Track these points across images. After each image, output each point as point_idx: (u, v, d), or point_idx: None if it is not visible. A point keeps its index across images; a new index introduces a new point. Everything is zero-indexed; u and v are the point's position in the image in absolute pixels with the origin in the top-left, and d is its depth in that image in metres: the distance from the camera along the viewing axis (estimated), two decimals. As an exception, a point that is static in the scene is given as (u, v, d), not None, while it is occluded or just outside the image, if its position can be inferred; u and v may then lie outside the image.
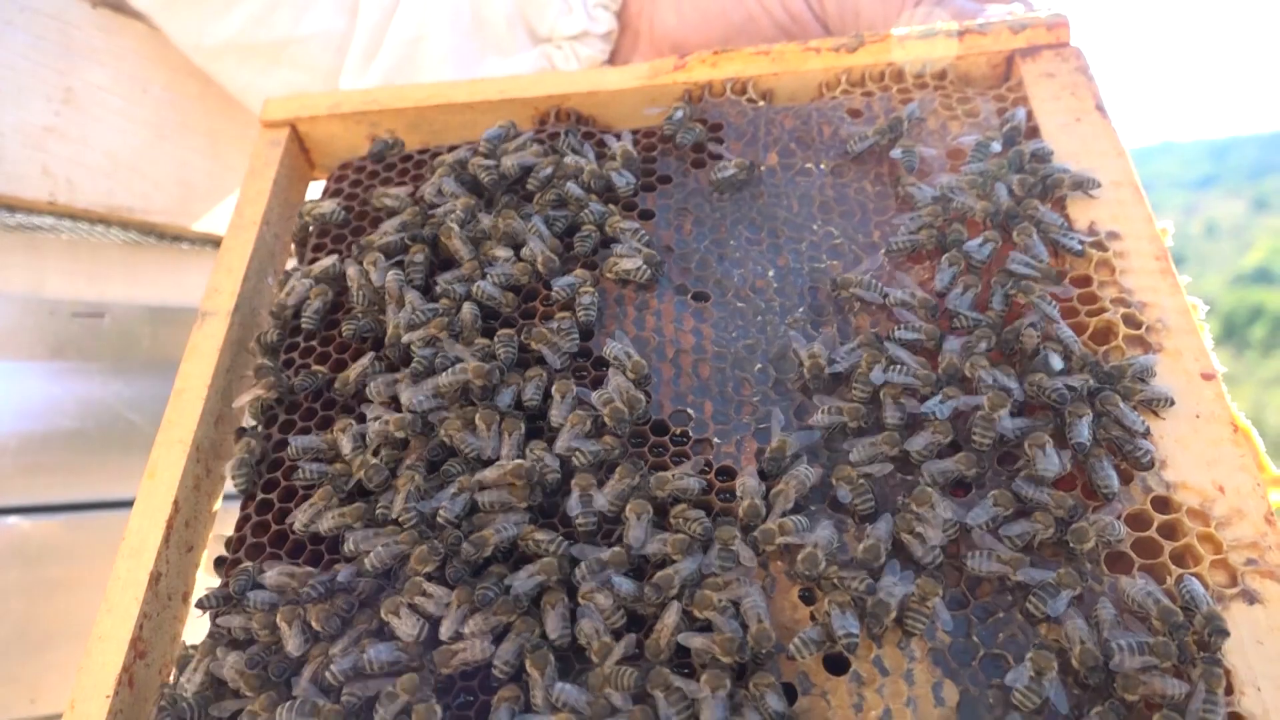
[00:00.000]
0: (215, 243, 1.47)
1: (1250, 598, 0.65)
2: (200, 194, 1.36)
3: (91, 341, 1.38)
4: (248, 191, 1.03)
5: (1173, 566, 0.67)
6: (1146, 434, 0.72)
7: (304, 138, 1.10)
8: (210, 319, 0.93)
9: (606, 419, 0.77)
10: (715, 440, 0.79)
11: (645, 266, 0.87)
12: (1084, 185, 0.87)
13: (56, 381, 1.35)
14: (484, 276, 0.88)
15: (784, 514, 0.71)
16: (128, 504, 1.43)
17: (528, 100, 1.06)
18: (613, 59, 1.29)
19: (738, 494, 0.73)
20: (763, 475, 0.74)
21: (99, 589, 1.37)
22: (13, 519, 1.30)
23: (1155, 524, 0.69)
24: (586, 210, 0.92)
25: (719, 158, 0.98)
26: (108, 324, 1.39)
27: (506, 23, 1.25)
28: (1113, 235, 0.85)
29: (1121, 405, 0.72)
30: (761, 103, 1.03)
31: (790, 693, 0.66)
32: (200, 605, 0.74)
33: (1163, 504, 0.70)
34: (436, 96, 1.07)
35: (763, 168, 0.97)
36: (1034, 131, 0.95)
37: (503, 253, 0.89)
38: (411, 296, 0.87)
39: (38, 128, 1.14)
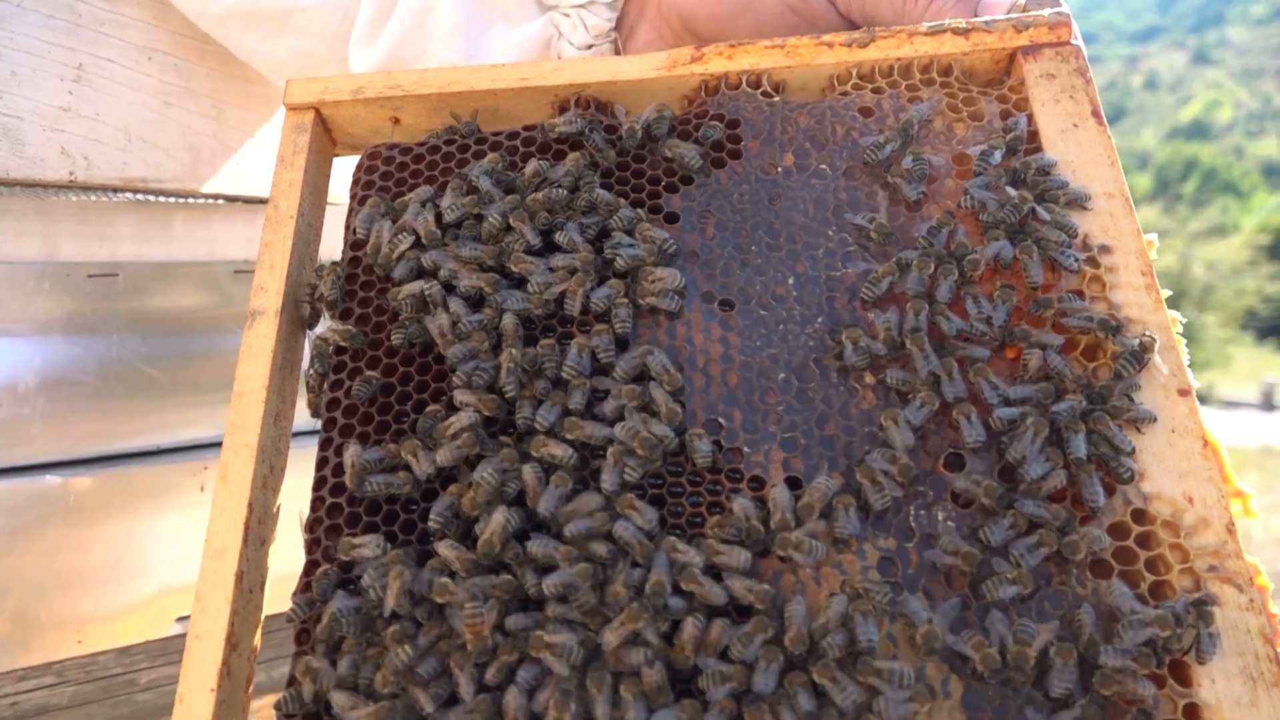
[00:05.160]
0: (221, 199, 1.48)
1: (1210, 600, 0.77)
2: (207, 157, 1.37)
3: (107, 301, 1.41)
4: (280, 183, 1.06)
5: (1146, 574, 0.79)
6: (1132, 452, 0.82)
7: (327, 120, 1.12)
8: (260, 319, 0.98)
9: (638, 450, 0.85)
10: (745, 450, 0.87)
11: (679, 275, 0.93)
12: (1078, 200, 0.95)
13: (77, 342, 1.39)
14: (521, 286, 0.94)
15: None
16: (153, 453, 1.51)
17: (548, 88, 1.09)
18: (619, 27, 1.31)
19: (769, 507, 0.82)
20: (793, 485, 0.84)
21: (134, 534, 1.45)
22: (47, 476, 1.36)
23: (1133, 535, 0.80)
24: (616, 216, 0.97)
25: (738, 156, 1.03)
26: (121, 283, 1.42)
27: (515, -9, 1.26)
28: (1104, 249, 0.93)
29: (1112, 426, 0.82)
30: (776, 97, 1.07)
31: (818, 690, 0.76)
32: (290, 618, 0.82)
33: (1140, 515, 0.81)
34: (458, 83, 1.09)
35: (780, 169, 1.02)
36: (1034, 136, 1.01)
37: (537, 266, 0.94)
38: (456, 305, 0.93)
39: (54, 108, 1.14)
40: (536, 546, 0.79)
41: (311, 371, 0.98)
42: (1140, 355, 0.84)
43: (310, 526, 0.88)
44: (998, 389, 0.85)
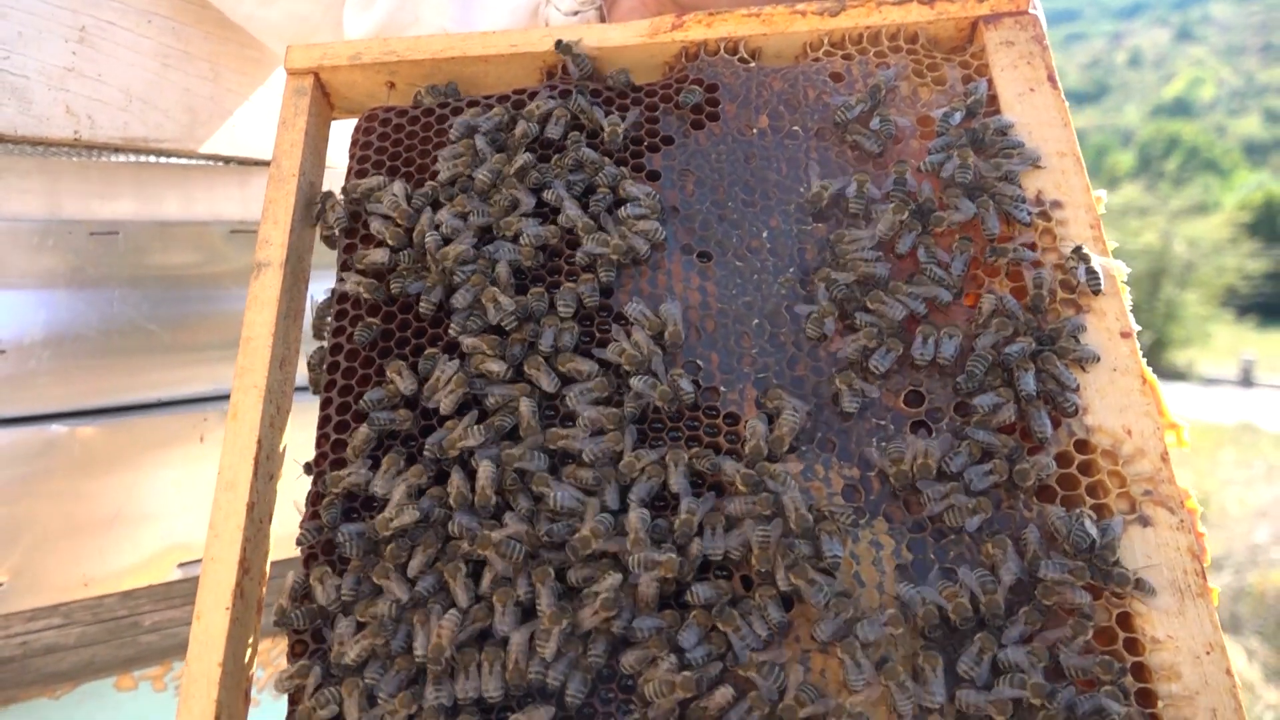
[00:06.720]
0: (218, 160, 1.53)
1: (1145, 521, 0.84)
2: (204, 118, 1.42)
3: (109, 258, 1.46)
4: (282, 143, 1.11)
5: (1086, 497, 0.86)
6: (1076, 389, 0.89)
7: (325, 84, 1.17)
8: (266, 270, 1.04)
9: (625, 365, 0.92)
10: (721, 389, 0.94)
11: (660, 228, 0.99)
12: (1030, 161, 1.01)
13: (80, 298, 1.44)
14: (515, 239, 1.00)
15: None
16: (154, 405, 1.56)
17: (536, 54, 1.14)
18: (605, -10, 1.36)
19: (746, 435, 0.89)
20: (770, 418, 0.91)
21: (137, 483, 1.51)
22: (54, 426, 1.42)
23: (1076, 463, 0.87)
24: (602, 173, 1.03)
25: (716, 119, 1.09)
26: (122, 241, 1.47)
27: (505, -42, 1.31)
28: (1056, 204, 1.00)
29: (1059, 365, 0.89)
30: (752, 63, 1.13)
31: (787, 602, 0.83)
32: (300, 543, 0.89)
33: (1082, 445, 0.88)
34: (451, 49, 1.15)
35: (755, 130, 1.08)
36: (993, 99, 1.07)
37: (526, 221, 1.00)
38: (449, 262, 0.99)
39: (59, 69, 1.19)
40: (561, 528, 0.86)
41: (313, 351, 1.03)
42: (1094, 270, 0.92)
43: (317, 461, 0.94)
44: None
